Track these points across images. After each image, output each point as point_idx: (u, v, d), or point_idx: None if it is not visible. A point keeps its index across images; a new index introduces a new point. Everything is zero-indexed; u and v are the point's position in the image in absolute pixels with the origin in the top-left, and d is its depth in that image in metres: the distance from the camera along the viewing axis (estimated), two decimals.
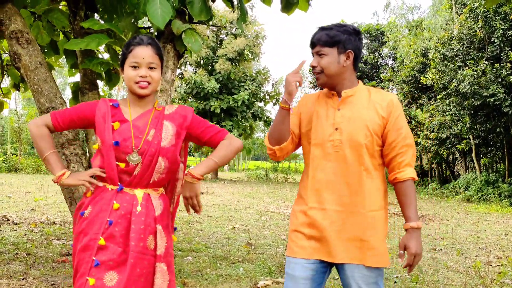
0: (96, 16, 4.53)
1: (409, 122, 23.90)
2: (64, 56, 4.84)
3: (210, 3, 4.05)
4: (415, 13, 28.53)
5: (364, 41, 31.63)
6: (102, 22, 4.09)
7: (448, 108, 17.77)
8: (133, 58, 2.18)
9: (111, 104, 2.25)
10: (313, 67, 2.19)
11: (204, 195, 15.55)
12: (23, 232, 7.11)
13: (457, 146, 19.62)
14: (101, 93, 4.48)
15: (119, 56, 4.57)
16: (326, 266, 2.17)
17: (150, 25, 4.26)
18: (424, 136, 21.10)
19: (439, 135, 19.62)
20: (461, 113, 16.99)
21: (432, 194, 20.45)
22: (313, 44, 2.19)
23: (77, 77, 4.77)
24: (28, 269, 4.77)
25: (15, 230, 7.22)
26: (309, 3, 4.51)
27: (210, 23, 4.24)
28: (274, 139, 2.25)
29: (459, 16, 18.38)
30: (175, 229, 2.45)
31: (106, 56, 4.79)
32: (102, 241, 2.09)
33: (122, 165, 2.16)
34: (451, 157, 23.63)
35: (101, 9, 4.21)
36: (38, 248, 5.92)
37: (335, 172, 2.13)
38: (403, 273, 5.26)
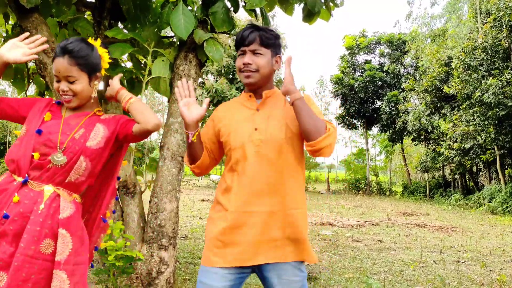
0: (120, 25, 4.59)
1: (431, 132, 23.64)
2: None
3: (232, 13, 4.08)
4: (438, 21, 28.24)
5: (386, 50, 31.46)
6: (125, 31, 4.13)
7: (471, 118, 17.53)
8: (54, 71, 2.07)
9: (55, 102, 2.21)
10: (247, 65, 2.15)
11: None
12: None
13: (481, 156, 19.31)
14: None
15: (142, 65, 4.65)
16: (245, 273, 2.11)
17: (173, 34, 4.30)
18: (447, 146, 20.83)
19: (463, 145, 19.34)
20: (485, 123, 16.74)
21: (455, 205, 20.16)
22: (249, 42, 2.16)
23: (100, 85, 4.82)
24: None
25: None
26: (331, 12, 4.51)
27: (232, 32, 4.26)
28: (189, 159, 2.26)
29: (484, 25, 18.17)
30: (96, 248, 2.31)
31: (129, 64, 4.85)
32: None
33: (36, 156, 2.02)
34: (474, 168, 23.27)
35: (126, 18, 4.27)
36: None
37: (256, 173, 2.08)
38: (426, 285, 5.17)
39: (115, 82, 2.31)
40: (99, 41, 2.22)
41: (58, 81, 2.08)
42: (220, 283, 2.04)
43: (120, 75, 2.37)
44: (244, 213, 2.07)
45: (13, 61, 2.05)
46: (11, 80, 4.46)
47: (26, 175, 2.02)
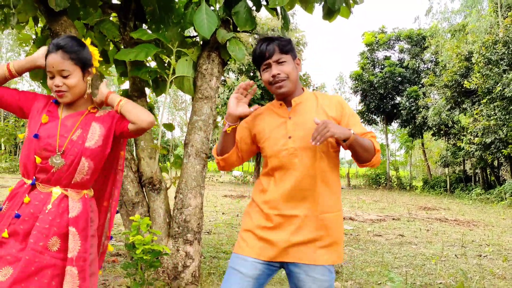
0: (144, 26, 4.71)
1: (451, 127, 23.41)
2: (114, 65, 5.05)
3: (254, 12, 4.15)
4: (458, 16, 27.89)
5: (405, 46, 31.21)
6: (150, 32, 4.25)
7: (492, 112, 17.34)
8: (47, 67, 2.12)
9: (52, 100, 2.25)
10: (276, 76, 2.18)
11: (247, 199, 15.67)
12: None
13: (503, 151, 19.08)
14: (148, 100, 4.64)
15: (166, 65, 4.77)
16: (274, 266, 2.19)
17: (196, 34, 4.40)
18: (468, 141, 20.62)
19: (484, 139, 19.13)
20: (507, 117, 16.56)
21: (476, 200, 19.96)
22: (270, 54, 2.18)
23: (126, 85, 4.96)
24: None
25: None
26: (351, 10, 4.55)
27: (253, 31, 4.35)
28: (219, 150, 2.33)
29: (504, 19, 17.93)
30: (111, 237, 2.40)
31: (153, 64, 4.97)
32: (5, 234, 2.04)
33: (38, 160, 2.10)
34: (496, 162, 22.99)
35: (149, 19, 4.38)
36: None
37: (290, 179, 2.15)
38: (447, 279, 5.21)
39: (103, 87, 2.31)
40: (89, 40, 2.30)
41: (52, 78, 2.12)
42: (250, 271, 2.14)
43: (108, 79, 2.37)
44: (278, 216, 2.16)
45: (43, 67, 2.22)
46: (41, 81, 4.60)
47: (34, 178, 2.13)
